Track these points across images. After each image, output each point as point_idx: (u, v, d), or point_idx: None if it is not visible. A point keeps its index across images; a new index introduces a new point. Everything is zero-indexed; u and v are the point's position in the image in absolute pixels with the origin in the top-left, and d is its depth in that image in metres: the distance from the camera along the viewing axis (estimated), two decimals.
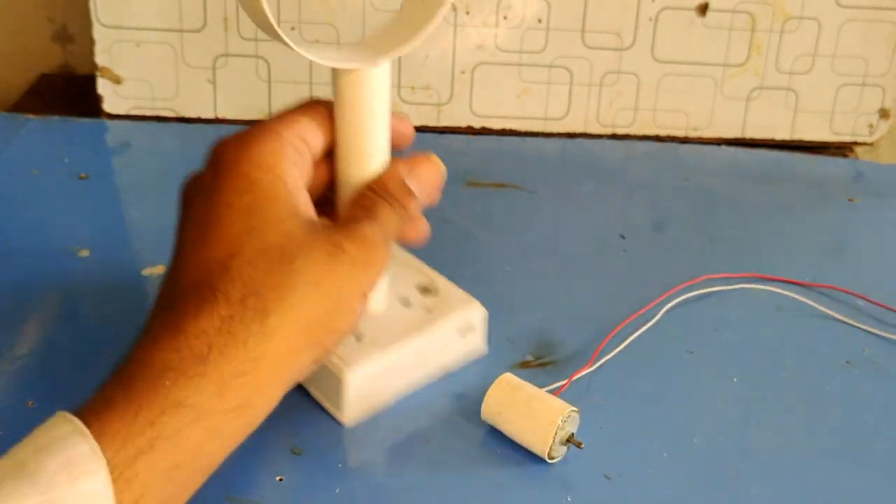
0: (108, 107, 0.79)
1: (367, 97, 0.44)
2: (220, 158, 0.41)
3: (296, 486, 0.44)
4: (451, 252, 0.63)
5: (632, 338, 0.55)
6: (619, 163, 0.79)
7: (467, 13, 0.78)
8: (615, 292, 0.59)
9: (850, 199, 0.74)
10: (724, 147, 0.82)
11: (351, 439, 0.48)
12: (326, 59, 0.42)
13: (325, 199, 0.47)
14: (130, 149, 0.77)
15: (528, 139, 0.81)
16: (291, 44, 0.41)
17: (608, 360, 0.53)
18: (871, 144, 0.84)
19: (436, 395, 0.50)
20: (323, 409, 0.49)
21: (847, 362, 0.55)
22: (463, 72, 0.80)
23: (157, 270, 0.59)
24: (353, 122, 0.44)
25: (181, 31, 0.78)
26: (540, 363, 0.53)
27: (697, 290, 0.59)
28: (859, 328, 0.58)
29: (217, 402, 0.37)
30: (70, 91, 0.87)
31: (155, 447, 0.35)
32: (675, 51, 0.80)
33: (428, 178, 0.45)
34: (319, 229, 0.41)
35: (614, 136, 0.82)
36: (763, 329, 0.58)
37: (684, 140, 0.82)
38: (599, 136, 0.82)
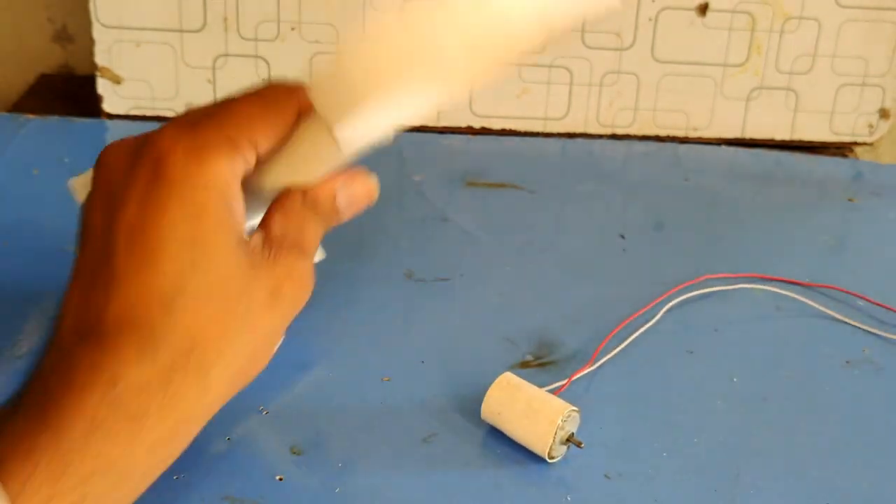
0: (107, 107, 0.79)
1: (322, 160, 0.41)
2: (166, 169, 0.36)
3: (296, 485, 0.44)
4: (451, 252, 0.63)
5: (632, 338, 0.55)
6: (619, 163, 0.79)
7: None
8: (615, 292, 0.59)
9: (849, 199, 0.74)
10: (724, 147, 0.82)
11: (351, 439, 0.48)
12: None
13: None
14: None
15: (527, 139, 0.81)
16: None
17: (608, 360, 0.53)
18: (870, 144, 0.84)
19: (436, 395, 0.50)
20: (323, 409, 0.49)
21: (847, 362, 0.55)
22: None
23: None
24: (301, 166, 0.40)
25: (181, 31, 0.78)
26: (540, 363, 0.53)
27: (697, 290, 0.59)
28: (859, 328, 0.58)
29: (147, 458, 0.35)
30: (70, 91, 0.87)
31: None
32: (675, 51, 0.80)
33: (360, 199, 0.41)
34: (260, 263, 0.38)
35: (614, 136, 0.82)
36: (763, 329, 0.58)
37: (684, 140, 0.82)
38: (599, 136, 0.82)
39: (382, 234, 0.64)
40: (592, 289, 0.60)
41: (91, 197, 0.38)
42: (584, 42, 0.79)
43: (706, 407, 0.51)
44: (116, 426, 0.33)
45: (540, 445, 0.45)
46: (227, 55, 0.79)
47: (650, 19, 0.79)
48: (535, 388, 0.47)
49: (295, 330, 0.55)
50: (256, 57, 0.79)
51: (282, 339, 0.40)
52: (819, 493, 0.46)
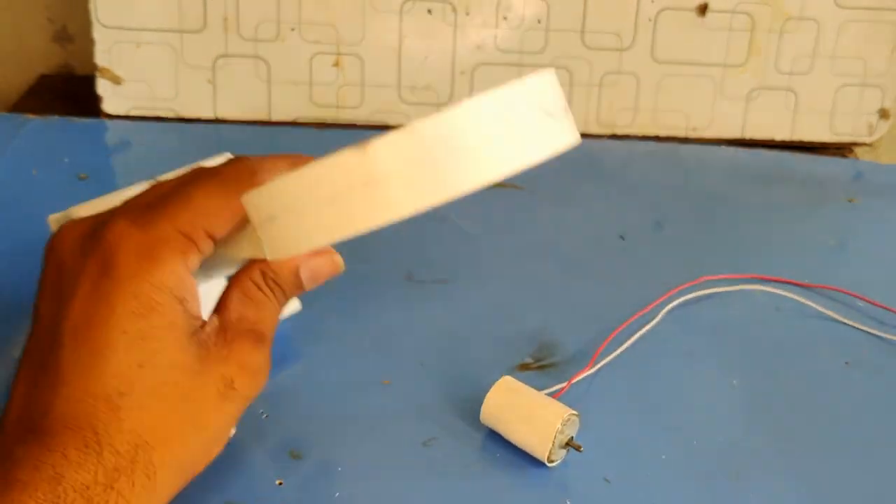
0: (107, 107, 0.79)
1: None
2: (116, 265, 0.35)
3: (295, 490, 0.44)
4: (450, 253, 0.63)
5: (632, 339, 0.55)
6: (619, 163, 0.79)
7: (467, 13, 0.78)
8: (615, 293, 0.59)
9: (849, 199, 0.74)
10: (724, 147, 0.82)
11: (351, 443, 0.48)
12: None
13: None
14: (130, 149, 0.77)
15: None
16: None
17: (608, 362, 0.53)
18: (870, 145, 0.84)
19: (435, 398, 0.50)
20: (323, 413, 0.49)
21: (846, 363, 0.55)
22: (463, 72, 0.80)
23: None
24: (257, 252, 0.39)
25: (181, 31, 0.78)
26: (539, 365, 0.53)
27: (697, 290, 0.59)
28: (859, 329, 0.58)
29: None
30: (70, 91, 0.87)
31: None
32: (675, 51, 0.80)
33: (324, 272, 0.39)
34: (212, 357, 0.37)
35: (614, 136, 0.82)
36: (763, 330, 0.58)
37: (684, 140, 0.82)
38: (599, 136, 0.82)
39: (382, 235, 0.64)
40: (592, 290, 0.61)
41: (41, 283, 0.38)
42: (584, 42, 0.79)
43: (706, 409, 0.51)
44: None
45: (539, 449, 0.45)
46: (227, 55, 0.79)
47: (650, 19, 0.79)
48: (534, 391, 0.47)
49: (295, 332, 0.55)
50: (256, 57, 0.79)
51: (234, 430, 0.40)
52: (819, 493, 0.46)
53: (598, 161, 0.79)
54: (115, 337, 0.35)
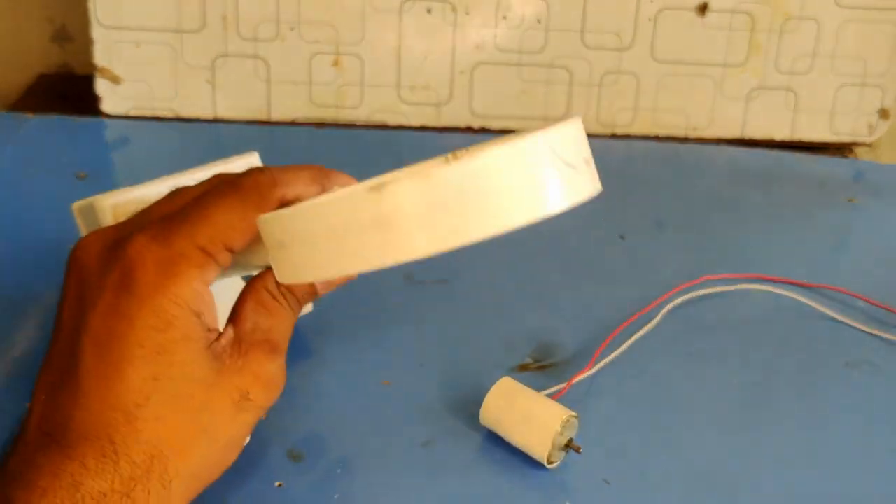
0: (106, 107, 0.79)
1: None
2: (136, 280, 0.36)
3: (295, 491, 0.44)
4: (450, 253, 0.63)
5: (632, 340, 0.55)
6: (619, 163, 0.79)
7: (467, 13, 0.78)
8: (615, 293, 0.59)
9: (849, 199, 0.74)
10: (724, 147, 0.82)
11: (350, 444, 0.48)
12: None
13: None
14: (129, 148, 0.77)
15: None
16: None
17: (608, 362, 0.53)
18: (870, 144, 0.84)
19: (435, 399, 0.50)
20: (322, 415, 0.49)
21: (846, 363, 0.55)
22: (462, 72, 0.80)
23: None
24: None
25: (180, 31, 0.78)
26: (539, 366, 0.53)
27: (697, 290, 0.59)
28: (859, 329, 0.58)
29: None
30: (69, 91, 0.87)
31: None
32: (675, 51, 0.80)
33: (335, 280, 0.41)
34: (227, 369, 0.38)
35: (614, 136, 0.82)
36: (763, 329, 0.58)
37: (684, 140, 0.82)
38: (599, 136, 0.81)
39: None
40: (592, 290, 0.60)
41: (64, 290, 0.39)
42: (584, 42, 0.79)
43: (706, 409, 0.51)
44: None
45: (538, 451, 0.45)
46: (226, 55, 0.78)
47: (650, 19, 0.79)
48: (533, 392, 0.47)
49: (294, 333, 0.55)
50: (256, 57, 0.79)
51: (248, 438, 0.40)
52: (819, 493, 0.46)
53: (597, 161, 0.78)
54: (133, 351, 0.36)
